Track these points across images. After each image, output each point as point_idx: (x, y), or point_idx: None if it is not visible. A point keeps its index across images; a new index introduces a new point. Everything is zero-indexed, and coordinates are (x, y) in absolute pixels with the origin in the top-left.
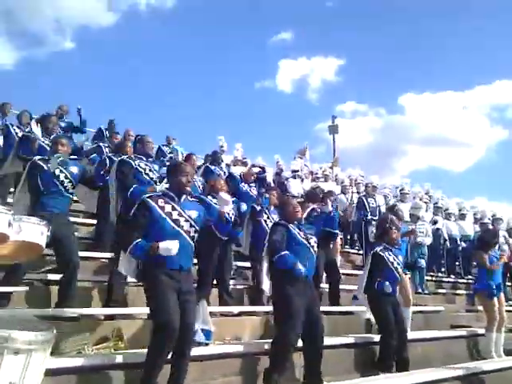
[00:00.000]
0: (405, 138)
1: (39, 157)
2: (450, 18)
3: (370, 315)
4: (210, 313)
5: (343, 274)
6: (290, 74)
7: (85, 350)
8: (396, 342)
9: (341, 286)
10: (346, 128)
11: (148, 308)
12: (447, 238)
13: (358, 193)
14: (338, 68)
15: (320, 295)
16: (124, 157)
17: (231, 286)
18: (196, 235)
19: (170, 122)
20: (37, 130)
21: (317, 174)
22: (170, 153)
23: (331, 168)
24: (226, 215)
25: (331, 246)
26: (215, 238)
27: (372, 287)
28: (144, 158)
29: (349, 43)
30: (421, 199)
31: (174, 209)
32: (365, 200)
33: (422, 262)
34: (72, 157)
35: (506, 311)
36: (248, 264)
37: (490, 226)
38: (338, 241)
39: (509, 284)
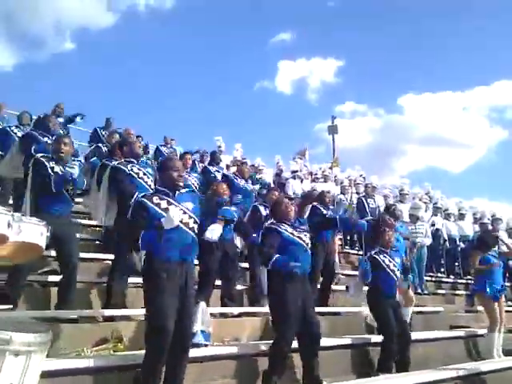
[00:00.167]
0: (404, 138)
1: (41, 154)
2: (450, 18)
3: (368, 312)
4: (210, 314)
5: (343, 274)
6: (289, 75)
7: (84, 351)
8: (398, 343)
9: (340, 287)
10: (346, 128)
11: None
12: (446, 238)
13: (357, 193)
14: (338, 69)
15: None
16: (115, 163)
17: None
18: (196, 226)
19: (169, 123)
20: None
21: (316, 174)
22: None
23: (330, 168)
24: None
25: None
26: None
27: (371, 290)
28: (135, 161)
29: (348, 44)
30: (420, 199)
31: (169, 203)
32: (364, 201)
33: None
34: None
35: (506, 311)
36: (246, 265)
37: (490, 227)
38: (337, 241)
39: (508, 284)
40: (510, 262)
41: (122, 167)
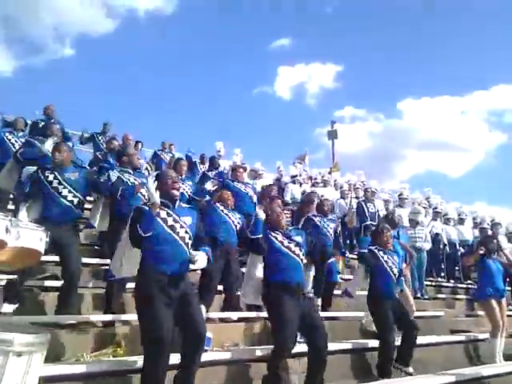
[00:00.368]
0: (404, 143)
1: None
2: (448, 23)
3: (366, 319)
4: (210, 319)
5: (342, 279)
6: (288, 80)
7: (83, 356)
8: (407, 337)
9: (340, 292)
10: (345, 133)
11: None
12: (446, 242)
13: (356, 198)
14: (337, 74)
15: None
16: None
17: None
18: (191, 242)
19: (169, 128)
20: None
21: (316, 179)
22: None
23: (329, 173)
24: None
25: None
26: (218, 248)
27: (370, 292)
28: (131, 172)
29: (347, 49)
30: (419, 204)
31: (169, 215)
32: (364, 205)
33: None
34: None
35: (508, 316)
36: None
37: (490, 232)
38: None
39: (509, 289)
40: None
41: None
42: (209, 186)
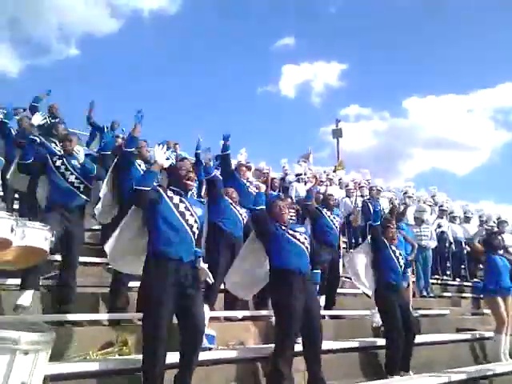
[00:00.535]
0: (409, 141)
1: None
2: (453, 20)
3: (374, 317)
4: (214, 317)
5: (347, 277)
6: (293, 79)
7: (89, 355)
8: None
9: (345, 290)
10: (350, 132)
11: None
12: (452, 240)
13: (361, 196)
14: (341, 72)
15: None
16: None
17: None
18: (197, 232)
19: (172, 127)
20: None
21: (321, 177)
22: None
23: (334, 171)
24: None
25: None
26: (223, 241)
27: (377, 283)
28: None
29: (351, 48)
30: (425, 202)
31: (181, 201)
32: (369, 204)
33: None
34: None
35: None
36: None
37: (496, 229)
38: (342, 244)
39: None
40: None
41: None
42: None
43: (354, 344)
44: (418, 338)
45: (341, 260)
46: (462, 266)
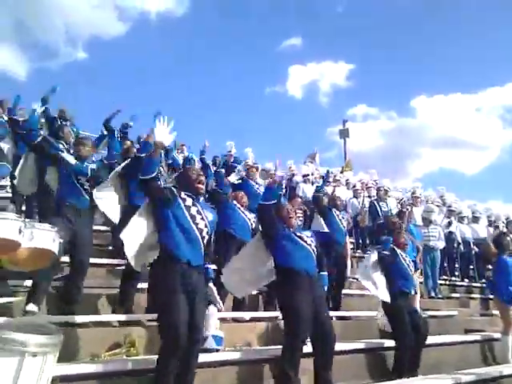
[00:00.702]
0: (417, 141)
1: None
2: (461, 19)
3: (381, 320)
4: (222, 319)
5: (355, 278)
6: (300, 79)
7: (98, 356)
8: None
9: (352, 291)
10: (358, 131)
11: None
12: (460, 241)
13: (369, 197)
14: (349, 72)
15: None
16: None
17: None
18: (207, 237)
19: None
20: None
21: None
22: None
23: (341, 172)
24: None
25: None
26: (234, 246)
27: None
28: None
29: (358, 48)
30: (432, 202)
31: (193, 204)
32: (376, 204)
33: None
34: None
35: None
36: None
37: (505, 229)
38: (349, 245)
39: None
40: None
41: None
42: (232, 178)
43: (361, 345)
44: (427, 340)
45: (348, 261)
46: (471, 267)
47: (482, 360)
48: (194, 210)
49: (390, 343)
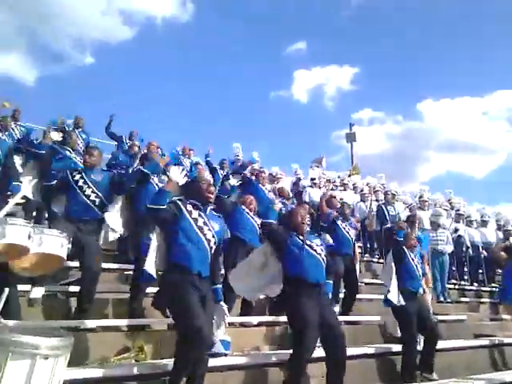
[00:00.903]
0: (424, 145)
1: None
2: (467, 22)
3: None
4: (230, 323)
5: (363, 282)
6: (305, 84)
7: (107, 360)
8: (426, 343)
9: (361, 296)
10: (364, 135)
11: (169, 319)
12: (469, 245)
13: (376, 201)
14: (354, 76)
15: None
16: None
17: None
18: (214, 247)
19: (185, 133)
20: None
21: (334, 182)
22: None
23: (349, 176)
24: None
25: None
26: (243, 250)
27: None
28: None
29: (364, 51)
30: (440, 206)
31: (200, 216)
32: (384, 208)
33: None
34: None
35: None
36: None
37: None
38: (357, 250)
39: None
40: None
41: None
42: (233, 181)
43: (371, 350)
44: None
45: (357, 266)
46: (480, 271)
47: (492, 365)
48: (201, 222)
49: (400, 348)
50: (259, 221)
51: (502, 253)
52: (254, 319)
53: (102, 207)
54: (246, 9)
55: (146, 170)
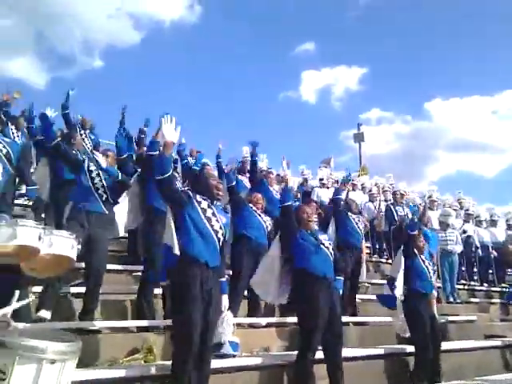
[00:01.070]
0: (433, 144)
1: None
2: (475, 21)
3: (397, 324)
4: (238, 324)
5: (371, 283)
6: (313, 84)
7: (116, 361)
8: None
9: (369, 296)
10: (372, 135)
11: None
12: (479, 245)
13: (385, 201)
14: (362, 76)
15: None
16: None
17: None
18: (222, 238)
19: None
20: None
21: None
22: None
23: (358, 177)
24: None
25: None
26: (248, 248)
27: (406, 290)
28: None
29: (372, 52)
30: (450, 206)
31: (209, 207)
32: (393, 208)
33: None
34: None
35: None
36: None
37: None
38: (365, 249)
39: None
40: None
41: None
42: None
43: (379, 351)
44: (446, 345)
45: (364, 266)
46: (490, 271)
47: (504, 366)
48: (209, 213)
49: (409, 349)
50: (267, 218)
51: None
52: (263, 320)
53: (108, 206)
54: (254, 10)
55: (150, 153)
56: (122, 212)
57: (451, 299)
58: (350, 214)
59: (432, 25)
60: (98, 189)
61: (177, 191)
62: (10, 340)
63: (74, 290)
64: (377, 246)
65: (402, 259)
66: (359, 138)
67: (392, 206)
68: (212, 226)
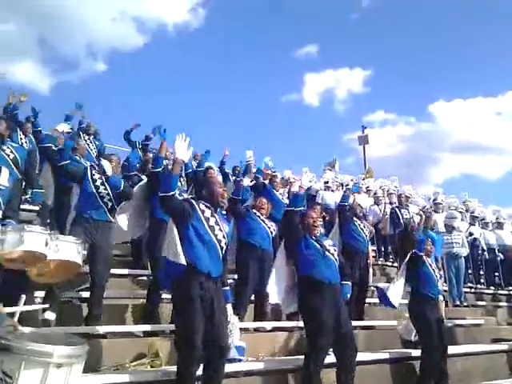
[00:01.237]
0: (437, 146)
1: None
2: (479, 22)
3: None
4: (244, 329)
5: (378, 287)
6: (316, 87)
7: (122, 366)
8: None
9: (375, 300)
10: (376, 138)
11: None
12: (485, 248)
13: (390, 203)
14: (365, 79)
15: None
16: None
17: None
18: (225, 247)
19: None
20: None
21: (348, 185)
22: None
23: (363, 180)
24: (269, 231)
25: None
26: (252, 255)
27: (413, 294)
28: None
29: (375, 54)
30: (456, 209)
31: (212, 215)
32: (398, 211)
33: None
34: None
35: None
36: None
37: None
38: (371, 253)
39: None
40: None
41: None
42: (246, 182)
43: (386, 355)
44: (453, 349)
45: (370, 269)
46: (496, 274)
47: (510, 370)
48: (212, 221)
49: (416, 353)
50: (271, 223)
51: None
52: (269, 325)
53: (112, 213)
54: (257, 13)
55: (155, 170)
56: (125, 220)
57: (458, 302)
58: (355, 219)
59: (435, 26)
60: (103, 197)
61: (179, 206)
62: (17, 344)
63: (79, 294)
64: (382, 249)
65: (405, 268)
66: (364, 140)
67: (397, 209)
68: (216, 235)
